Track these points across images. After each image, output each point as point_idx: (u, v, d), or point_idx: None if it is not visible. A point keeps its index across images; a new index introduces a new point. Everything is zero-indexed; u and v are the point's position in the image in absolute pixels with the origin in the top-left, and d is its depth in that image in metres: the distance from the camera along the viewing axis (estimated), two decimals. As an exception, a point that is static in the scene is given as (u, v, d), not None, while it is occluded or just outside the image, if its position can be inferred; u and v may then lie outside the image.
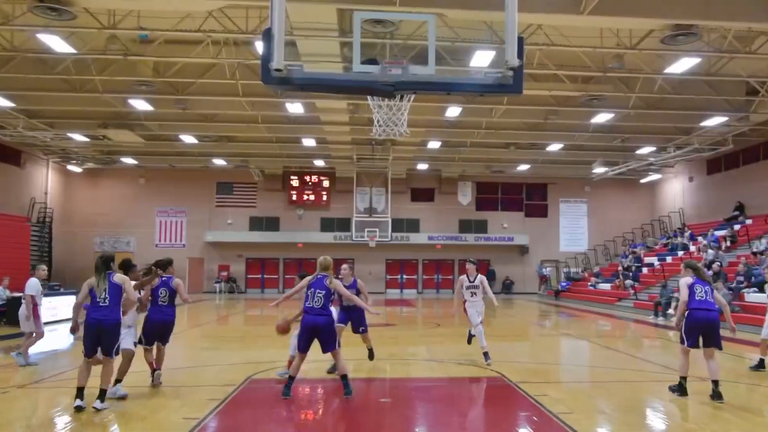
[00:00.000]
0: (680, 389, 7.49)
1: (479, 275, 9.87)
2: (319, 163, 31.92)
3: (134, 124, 23.49)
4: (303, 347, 7.37)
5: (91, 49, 16.18)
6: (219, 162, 30.93)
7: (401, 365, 10.42)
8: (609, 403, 7.46)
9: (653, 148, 26.32)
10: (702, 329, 7.34)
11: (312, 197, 34.32)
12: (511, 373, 9.07)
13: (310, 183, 34.33)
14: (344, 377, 7.46)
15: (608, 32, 15.34)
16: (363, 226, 31.68)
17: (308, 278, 7.57)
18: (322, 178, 34.28)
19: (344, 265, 9.32)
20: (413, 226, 34.63)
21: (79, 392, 6.54)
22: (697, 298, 7.39)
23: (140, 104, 20.35)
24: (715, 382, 7.25)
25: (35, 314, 10.08)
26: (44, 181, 30.37)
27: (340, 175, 33.53)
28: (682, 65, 16.06)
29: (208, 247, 33.83)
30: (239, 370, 9.21)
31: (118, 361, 7.09)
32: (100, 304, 6.71)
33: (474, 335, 10.03)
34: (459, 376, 9.44)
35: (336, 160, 31.04)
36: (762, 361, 9.46)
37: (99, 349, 6.73)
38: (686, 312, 7.44)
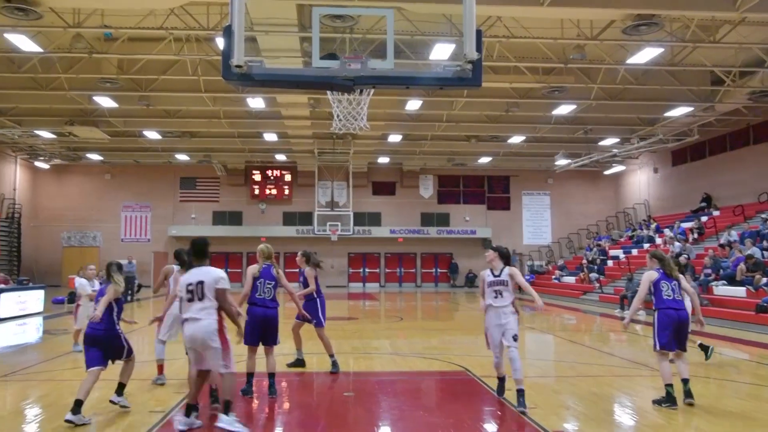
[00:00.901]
0: (668, 399, 6.65)
1: (507, 267, 6.99)
2: (281, 157, 31.80)
3: (99, 120, 23.83)
4: (254, 341, 7.06)
5: (57, 48, 16.46)
6: (182, 157, 31.12)
7: (364, 359, 10.27)
8: (574, 397, 7.33)
9: (617, 140, 26.50)
10: (673, 328, 6.77)
11: (274, 191, 34.12)
12: (475, 368, 8.99)
13: (272, 177, 34.13)
14: (272, 375, 7.18)
15: (569, 23, 15.33)
16: (325, 219, 31.95)
17: (253, 268, 7.25)
18: (283, 172, 34.10)
19: (299, 253, 9.03)
20: (375, 219, 34.53)
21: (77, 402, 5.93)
22: (664, 297, 6.85)
23: (105, 101, 20.73)
24: (685, 381, 6.82)
25: (75, 311, 10.64)
26: (13, 178, 30.77)
27: (301, 169, 33.46)
28: (645, 55, 16.05)
29: (172, 241, 33.32)
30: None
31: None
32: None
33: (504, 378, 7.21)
34: (422, 370, 9.35)
35: (297, 155, 30.90)
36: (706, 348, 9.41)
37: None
38: (655, 312, 6.92)
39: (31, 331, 14.43)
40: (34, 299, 17.82)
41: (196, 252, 5.99)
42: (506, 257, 7.08)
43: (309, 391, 7.98)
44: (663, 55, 16.71)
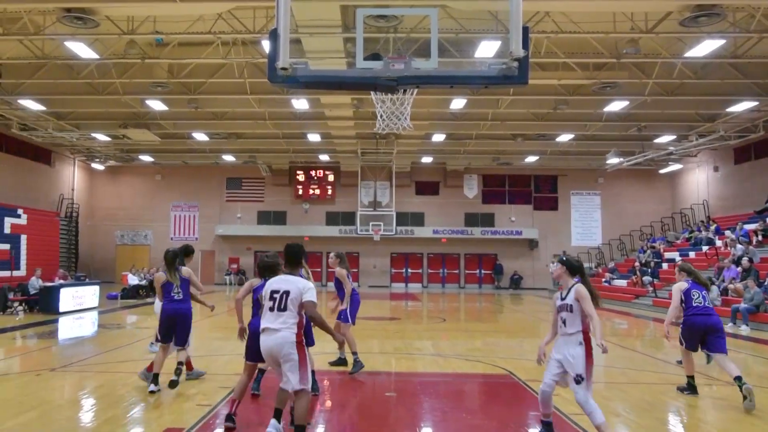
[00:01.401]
0: (690, 388, 7.41)
1: (577, 285, 5.39)
2: (324, 157, 32.10)
3: (151, 123, 24.83)
4: None
5: (112, 54, 17.24)
6: (228, 158, 31.97)
7: (406, 360, 10.12)
8: (625, 404, 6.98)
9: (673, 137, 25.37)
10: (701, 334, 7.25)
11: (317, 191, 34.47)
12: (519, 371, 8.73)
13: (315, 177, 34.52)
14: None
15: (621, 16, 14.74)
16: (367, 219, 32.14)
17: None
18: (327, 172, 34.43)
19: (332, 254, 8.96)
20: (418, 219, 34.37)
21: (155, 378, 7.09)
22: (694, 304, 7.30)
23: (156, 104, 21.58)
24: (738, 378, 6.68)
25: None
26: (71, 179, 32.53)
27: (344, 169, 33.61)
28: (705, 48, 15.28)
29: (219, 240, 34.63)
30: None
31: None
32: (175, 297, 7.32)
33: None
34: (465, 372, 9.14)
35: (341, 155, 31.05)
36: None
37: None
38: (683, 319, 7.45)
39: (87, 325, 14.97)
40: (90, 294, 18.58)
41: (288, 258, 5.58)
42: (577, 271, 5.52)
43: (351, 390, 7.90)
44: (725, 47, 15.83)
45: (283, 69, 4.87)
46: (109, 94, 20.42)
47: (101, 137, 26.60)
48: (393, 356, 10.22)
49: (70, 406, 6.82)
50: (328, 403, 7.10)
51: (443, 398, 7.44)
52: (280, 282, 5.35)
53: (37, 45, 16.76)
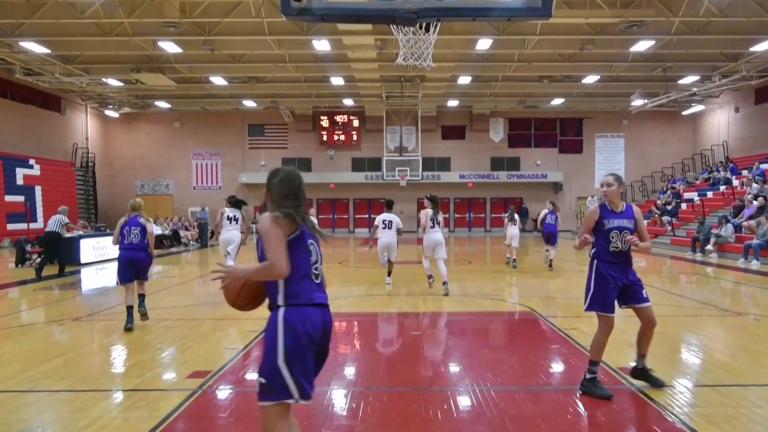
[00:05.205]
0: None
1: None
2: (349, 102, 31.70)
3: (165, 67, 23.75)
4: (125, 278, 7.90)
5: None
6: (249, 103, 31.21)
7: (433, 300, 10.44)
8: (640, 336, 7.37)
9: (697, 77, 25.09)
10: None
11: (342, 137, 34.34)
12: (541, 308, 9.10)
13: (340, 123, 34.31)
14: (142, 296, 8.18)
15: (649, -49, 14.44)
16: (393, 165, 31.98)
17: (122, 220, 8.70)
18: (351, 117, 34.18)
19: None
20: (444, 164, 34.41)
21: None
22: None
23: (169, 46, 20.44)
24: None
25: None
26: (84, 127, 31.46)
27: (369, 114, 33.37)
28: (731, -15, 15.01)
29: (243, 188, 34.34)
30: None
31: None
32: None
33: None
34: (489, 311, 9.50)
35: (365, 99, 30.79)
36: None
37: None
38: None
39: (110, 275, 14.42)
40: (111, 245, 18.25)
41: (387, 204, 11.94)
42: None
43: (379, 330, 8.32)
44: (752, -16, 15.54)
45: (297, 0, 4.80)
46: (117, 36, 19.04)
47: (113, 82, 25.41)
48: (420, 297, 10.51)
49: (96, 353, 6.80)
50: (356, 345, 7.32)
51: (467, 335, 7.71)
52: (386, 216, 11.71)
53: (33, -19, 15.46)
